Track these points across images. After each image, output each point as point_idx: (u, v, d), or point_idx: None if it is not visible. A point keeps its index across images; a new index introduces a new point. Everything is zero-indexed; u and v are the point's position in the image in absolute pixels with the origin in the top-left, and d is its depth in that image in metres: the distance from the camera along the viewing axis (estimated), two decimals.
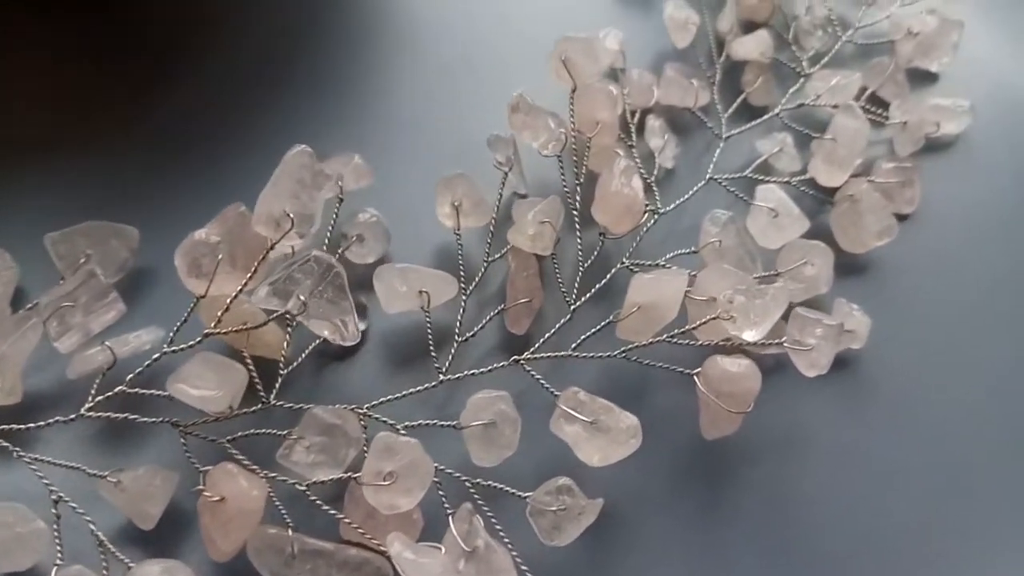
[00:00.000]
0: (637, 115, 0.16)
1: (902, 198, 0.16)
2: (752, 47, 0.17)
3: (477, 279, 0.14)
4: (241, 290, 0.12)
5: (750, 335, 0.13)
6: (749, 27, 0.18)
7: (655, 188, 0.15)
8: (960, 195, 0.17)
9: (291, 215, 0.12)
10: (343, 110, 0.16)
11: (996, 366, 0.15)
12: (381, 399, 0.13)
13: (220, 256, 0.12)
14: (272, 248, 0.12)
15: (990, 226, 0.17)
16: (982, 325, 0.15)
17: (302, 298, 0.12)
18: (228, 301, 0.12)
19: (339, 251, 0.14)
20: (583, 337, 0.13)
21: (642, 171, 0.15)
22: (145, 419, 0.12)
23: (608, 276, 0.14)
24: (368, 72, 0.17)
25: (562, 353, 0.13)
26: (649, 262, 0.14)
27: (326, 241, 0.14)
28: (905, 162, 0.17)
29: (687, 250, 0.15)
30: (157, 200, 0.14)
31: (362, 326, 0.14)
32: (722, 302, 0.13)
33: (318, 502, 0.12)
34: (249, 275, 0.12)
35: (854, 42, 0.18)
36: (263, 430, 0.12)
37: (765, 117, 0.16)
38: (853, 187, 0.16)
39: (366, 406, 0.13)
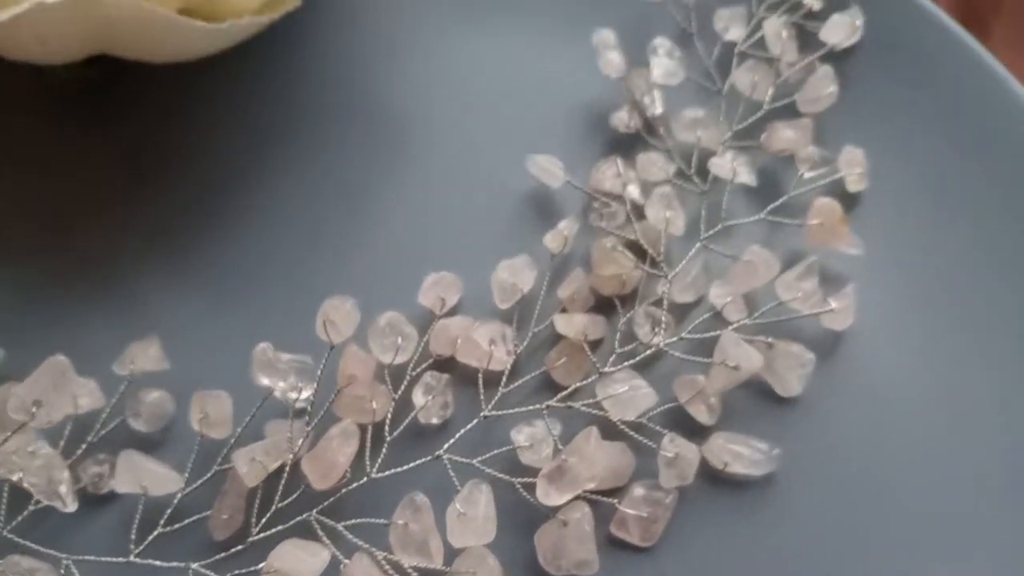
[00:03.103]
0: (425, 364, 0.17)
1: (640, 529, 0.16)
2: (569, 325, 0.17)
3: (196, 484, 0.16)
4: None
5: None
6: (598, 300, 0.18)
7: (385, 448, 0.17)
8: (717, 539, 0.16)
9: (35, 409, 0.16)
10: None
11: None
12: (84, 556, 0.16)
13: None
14: (22, 427, 0.16)
15: None
16: None
17: (21, 475, 0.15)
18: None
19: (120, 419, 0.17)
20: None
21: (387, 426, 0.17)
22: None
23: (291, 522, 0.16)
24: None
25: None
26: (331, 522, 0.16)
27: (103, 415, 0.17)
28: (665, 495, 0.16)
29: (381, 520, 0.16)
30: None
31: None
32: None
33: None
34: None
35: (670, 352, 0.17)
36: None
37: (527, 408, 0.17)
38: (570, 511, 0.16)
39: (73, 558, 0.16)
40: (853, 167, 0.18)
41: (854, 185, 0.19)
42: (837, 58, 0.20)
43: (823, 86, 0.19)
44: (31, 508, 0.16)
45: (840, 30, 0.19)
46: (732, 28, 0.20)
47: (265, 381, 0.16)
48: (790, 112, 0.19)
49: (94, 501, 0.17)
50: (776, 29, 0.19)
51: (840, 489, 0.17)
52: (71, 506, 0.16)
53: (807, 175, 0.18)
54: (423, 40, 0.21)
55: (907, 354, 0.18)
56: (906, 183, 0.19)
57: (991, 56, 0.19)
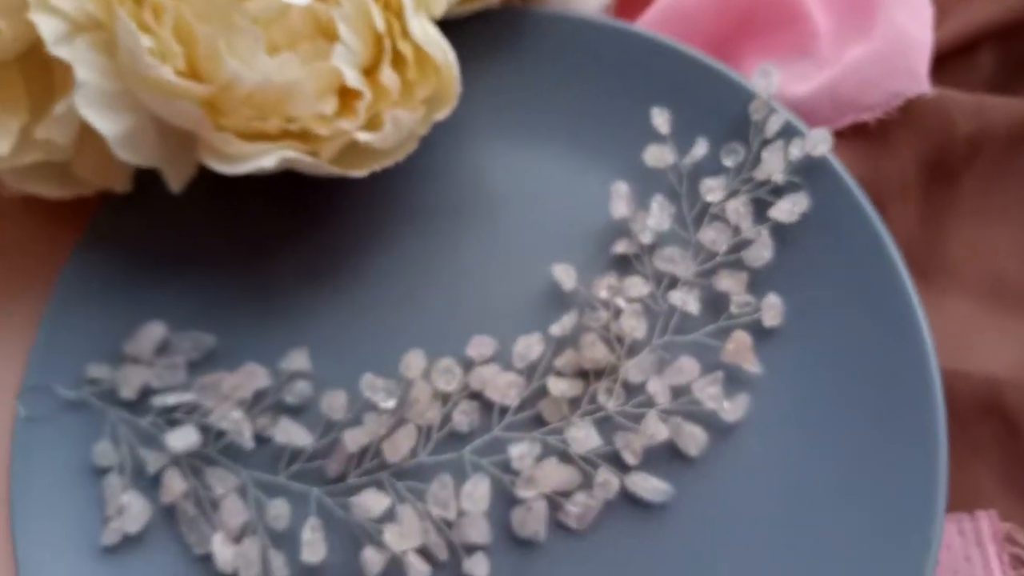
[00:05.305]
0: (464, 393, 0.28)
1: (577, 519, 0.26)
2: (556, 387, 0.27)
3: (320, 443, 0.28)
4: None
5: None
6: (581, 370, 0.28)
7: (432, 443, 0.27)
8: (624, 534, 0.26)
9: (236, 392, 0.27)
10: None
11: None
12: (253, 472, 0.28)
13: None
14: (227, 399, 0.27)
15: None
16: None
17: (225, 424, 0.27)
18: None
19: (279, 396, 0.28)
20: None
21: (435, 429, 0.27)
22: None
23: (372, 477, 0.27)
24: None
25: None
26: (395, 481, 0.27)
27: (272, 392, 0.28)
28: (595, 502, 0.26)
29: (424, 485, 0.27)
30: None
31: None
32: None
33: None
34: None
35: (615, 416, 0.27)
36: None
37: (521, 433, 0.27)
38: (534, 502, 0.26)
39: (249, 472, 0.28)
40: (771, 310, 0.27)
41: (770, 322, 0.27)
42: (782, 225, 0.28)
43: (763, 250, 0.27)
44: (227, 440, 0.28)
45: (784, 212, 0.27)
46: (711, 193, 0.28)
47: (368, 394, 0.27)
48: (738, 262, 0.28)
49: (261, 440, 0.28)
50: (736, 206, 0.27)
51: (712, 516, 0.26)
52: (250, 444, 0.27)
53: (734, 311, 0.27)
54: (494, 163, 0.30)
55: (781, 442, 0.26)
56: (808, 330, 0.27)
57: (896, 251, 0.27)
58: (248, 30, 0.24)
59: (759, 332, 0.27)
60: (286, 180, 0.28)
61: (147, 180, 0.29)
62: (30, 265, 0.31)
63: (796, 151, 0.28)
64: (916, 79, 0.31)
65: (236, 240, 0.30)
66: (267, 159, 0.25)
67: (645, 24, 0.32)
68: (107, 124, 0.25)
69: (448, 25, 0.29)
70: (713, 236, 0.28)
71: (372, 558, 0.26)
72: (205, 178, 0.28)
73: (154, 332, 0.29)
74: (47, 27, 0.24)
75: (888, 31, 0.32)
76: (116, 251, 0.30)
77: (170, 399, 0.28)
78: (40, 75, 0.27)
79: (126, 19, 0.23)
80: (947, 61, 0.34)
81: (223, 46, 0.24)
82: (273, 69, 0.25)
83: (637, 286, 0.28)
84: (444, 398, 0.27)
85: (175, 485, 0.27)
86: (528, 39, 0.31)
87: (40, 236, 0.31)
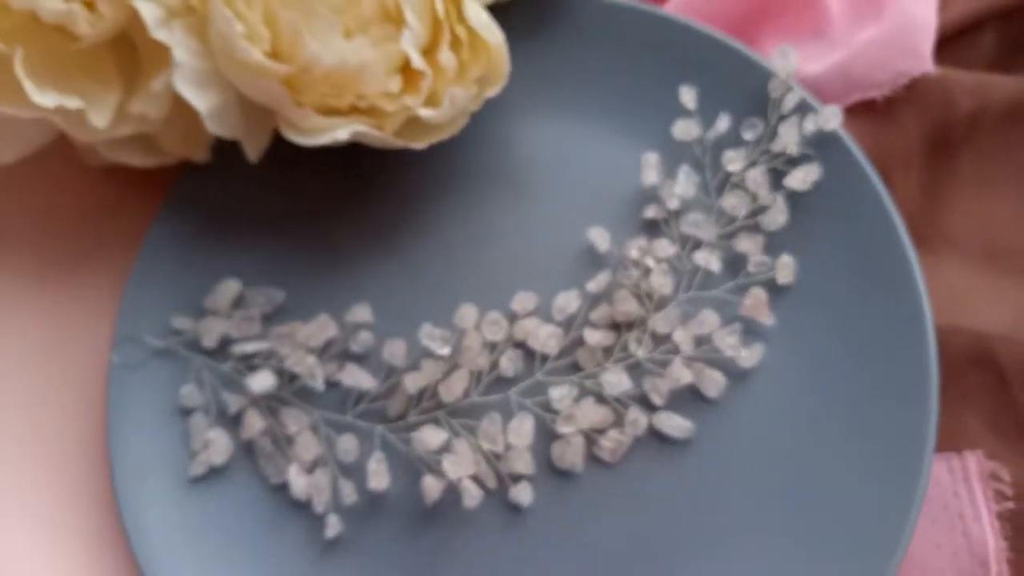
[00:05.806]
0: (510, 342, 0.31)
1: (610, 453, 0.30)
2: (592, 336, 0.30)
3: (382, 387, 0.31)
4: None
5: None
6: (614, 322, 0.31)
7: (482, 385, 0.31)
8: (651, 465, 0.30)
9: (309, 341, 0.30)
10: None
11: None
12: (322, 411, 0.31)
13: None
14: (300, 348, 0.31)
15: None
16: None
17: (299, 368, 0.30)
18: None
19: (346, 344, 0.32)
20: None
21: (484, 373, 0.31)
22: None
23: (430, 415, 0.30)
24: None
25: None
26: (450, 419, 0.30)
27: (339, 341, 0.32)
28: (627, 437, 0.30)
29: (475, 422, 0.30)
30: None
31: None
32: None
33: None
34: None
35: (644, 363, 0.30)
36: None
37: (560, 377, 0.30)
38: (572, 437, 0.30)
39: (320, 412, 0.31)
40: (785, 269, 0.30)
41: (783, 280, 0.30)
42: (796, 193, 0.31)
43: (778, 216, 0.30)
44: (300, 384, 0.31)
45: (798, 181, 0.30)
46: (732, 164, 0.31)
47: (426, 342, 0.30)
48: (756, 226, 0.31)
49: (330, 384, 0.32)
50: (754, 175, 0.30)
51: (729, 451, 0.30)
52: (321, 387, 0.31)
53: (751, 270, 0.30)
54: (537, 136, 0.33)
55: (791, 386, 0.30)
56: (817, 287, 0.30)
57: (899, 218, 0.30)
58: (326, 16, 0.27)
59: (774, 289, 0.30)
60: (350, 151, 0.32)
61: (223, 150, 0.32)
62: (119, 226, 0.34)
63: (810, 126, 0.31)
64: (921, 59, 0.34)
65: (304, 205, 0.33)
66: (341, 132, 0.29)
67: (673, 8, 0.35)
68: (201, 100, 0.28)
69: (495, 9, 0.32)
70: (733, 202, 0.31)
71: (431, 485, 0.29)
72: (276, 148, 0.31)
73: (230, 288, 0.32)
74: (148, 13, 0.27)
75: (896, 14, 0.34)
76: (195, 215, 0.33)
77: (248, 347, 0.31)
78: (128, 55, 0.31)
79: (223, 7, 0.26)
80: (951, 41, 0.36)
81: (304, 30, 0.27)
82: (348, 51, 0.28)
83: (665, 247, 0.31)
84: (492, 347, 0.31)
85: (254, 423, 0.31)
86: (567, 22, 0.34)
87: (125, 201, 0.35)
